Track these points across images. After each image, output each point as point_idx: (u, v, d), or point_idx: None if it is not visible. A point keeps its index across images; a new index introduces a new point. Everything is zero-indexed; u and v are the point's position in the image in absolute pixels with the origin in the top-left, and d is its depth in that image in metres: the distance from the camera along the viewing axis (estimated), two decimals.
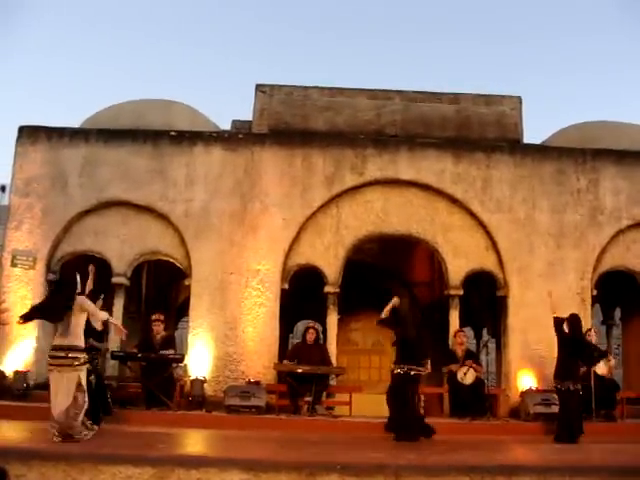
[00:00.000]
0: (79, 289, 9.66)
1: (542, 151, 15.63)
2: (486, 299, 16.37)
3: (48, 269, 14.53)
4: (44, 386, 14.01)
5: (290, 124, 15.93)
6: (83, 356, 9.27)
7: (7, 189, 18.87)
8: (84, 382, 9.20)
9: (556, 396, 12.74)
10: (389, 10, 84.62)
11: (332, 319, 14.86)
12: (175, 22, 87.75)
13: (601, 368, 13.39)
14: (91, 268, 11.31)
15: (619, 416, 13.43)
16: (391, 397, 11.23)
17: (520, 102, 16.51)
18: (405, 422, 10.84)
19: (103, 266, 14.49)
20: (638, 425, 12.93)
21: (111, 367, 14.47)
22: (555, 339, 12.13)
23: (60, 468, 6.91)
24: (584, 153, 15.37)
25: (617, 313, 18.86)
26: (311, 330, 14.04)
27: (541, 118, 36.86)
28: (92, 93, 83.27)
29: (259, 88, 16.19)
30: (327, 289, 14.78)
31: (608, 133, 16.57)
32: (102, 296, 11.59)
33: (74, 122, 16.22)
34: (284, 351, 15.28)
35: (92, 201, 14.71)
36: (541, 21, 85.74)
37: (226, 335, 14.20)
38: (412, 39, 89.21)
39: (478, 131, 16.16)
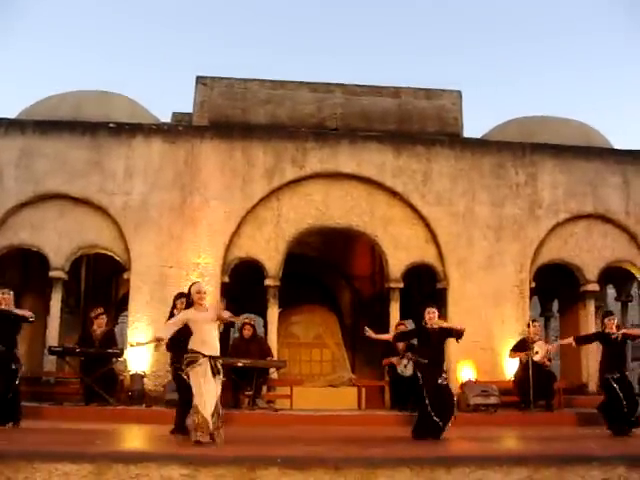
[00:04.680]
0: None
1: (482, 145, 15.81)
2: (426, 291, 16.48)
3: None
4: None
5: (230, 117, 15.81)
6: None
7: None
8: None
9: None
10: (329, 2, 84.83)
11: (273, 312, 14.84)
12: (114, 11, 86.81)
13: (538, 355, 13.56)
14: None
15: (556, 406, 13.65)
16: None
17: (460, 96, 16.62)
18: None
19: (40, 260, 14.26)
20: (574, 414, 13.14)
21: (49, 363, 14.25)
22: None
23: None
24: (523, 147, 15.58)
25: (555, 305, 19.15)
26: (247, 326, 13.97)
27: (481, 112, 37.33)
28: (29, 84, 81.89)
29: (200, 80, 16.03)
30: (267, 282, 14.73)
31: (546, 128, 16.83)
32: None
33: (10, 113, 15.91)
34: (225, 345, 15.19)
35: (28, 194, 14.43)
36: (483, 13, 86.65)
37: None
38: (353, 32, 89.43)
39: (419, 125, 16.23)
